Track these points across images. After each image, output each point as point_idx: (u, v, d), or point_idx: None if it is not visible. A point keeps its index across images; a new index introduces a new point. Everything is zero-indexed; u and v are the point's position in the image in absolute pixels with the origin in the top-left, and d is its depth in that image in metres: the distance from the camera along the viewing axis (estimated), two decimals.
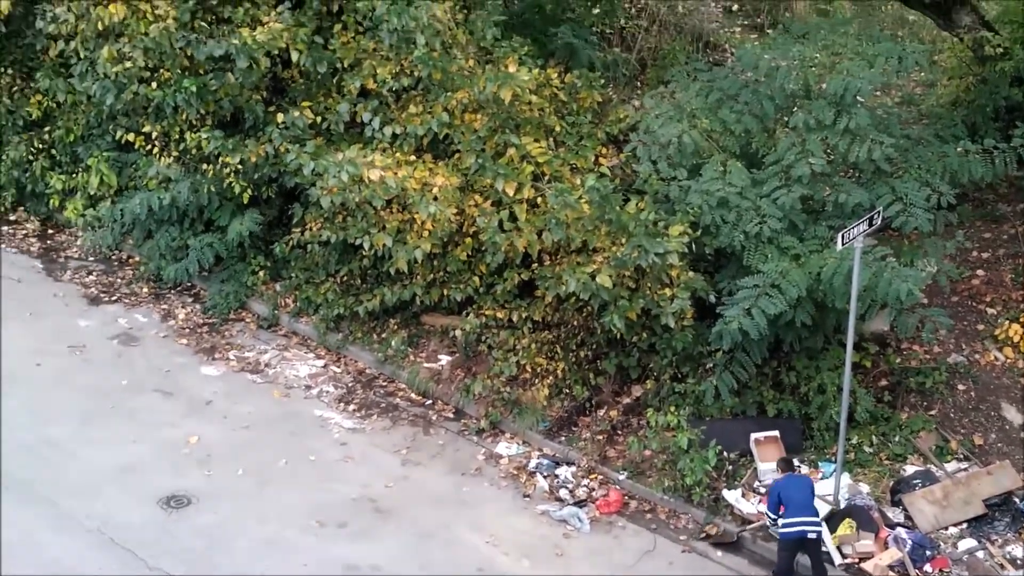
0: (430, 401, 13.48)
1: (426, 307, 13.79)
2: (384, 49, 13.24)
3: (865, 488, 11.66)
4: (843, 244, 10.83)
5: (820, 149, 11.55)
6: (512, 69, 12.65)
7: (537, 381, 12.91)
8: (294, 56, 13.51)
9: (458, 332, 13.36)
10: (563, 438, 12.68)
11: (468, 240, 12.99)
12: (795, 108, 12.22)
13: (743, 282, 11.19)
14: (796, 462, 11.52)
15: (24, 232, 16.44)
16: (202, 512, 11.44)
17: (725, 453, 11.94)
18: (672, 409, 12.15)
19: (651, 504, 11.99)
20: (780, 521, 10.51)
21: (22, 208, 16.71)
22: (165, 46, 13.56)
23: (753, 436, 12.01)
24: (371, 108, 13.34)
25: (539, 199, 12.47)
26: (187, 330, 14.53)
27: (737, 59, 13.67)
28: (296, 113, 13.58)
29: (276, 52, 13.50)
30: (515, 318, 13.09)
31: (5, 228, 16.47)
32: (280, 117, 13.62)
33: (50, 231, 16.54)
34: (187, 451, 12.39)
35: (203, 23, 13.79)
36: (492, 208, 12.62)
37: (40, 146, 16.05)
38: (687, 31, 18.16)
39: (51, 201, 15.98)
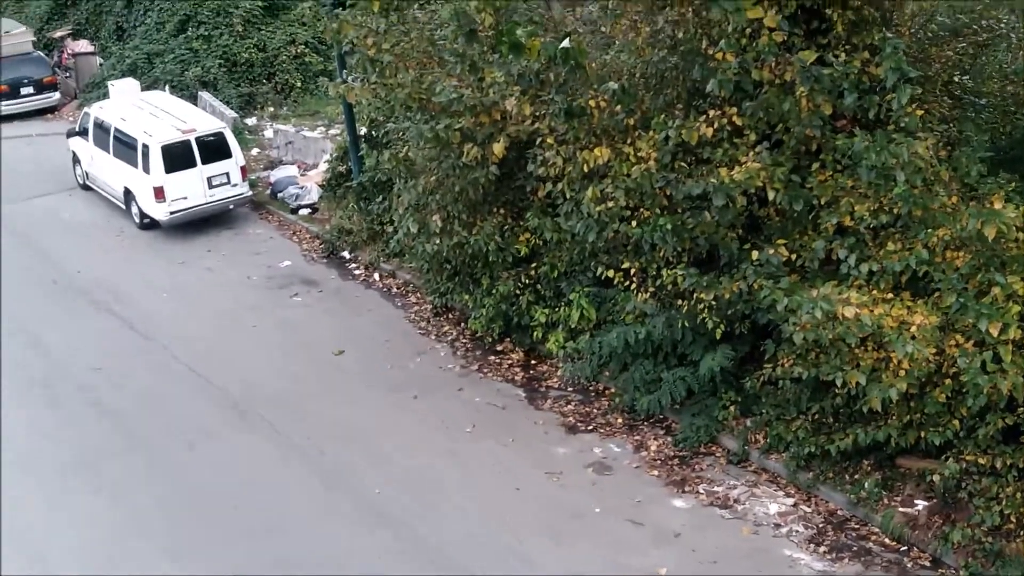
0: (905, 547, 14.78)
1: (901, 449, 15.17)
2: (862, 186, 15.07)
3: None
4: None
5: None
6: (998, 206, 13.99)
7: (1023, 532, 13.89)
8: (770, 194, 15.65)
9: (936, 477, 14.60)
10: None
11: (947, 381, 14.26)
12: None
13: None
14: None
15: (509, 362, 19.90)
16: None
17: None
18: None
19: None
20: None
21: (508, 339, 20.20)
22: (646, 186, 16.41)
23: None
24: (847, 245, 15.07)
25: None
26: (658, 462, 17.03)
27: None
28: (771, 251, 15.68)
29: (753, 191, 15.82)
30: (999, 464, 14.10)
31: (492, 358, 20.08)
32: (755, 255, 15.77)
33: (532, 362, 19.82)
34: None
35: (683, 164, 16.52)
36: (974, 348, 13.88)
37: (527, 281, 19.45)
38: None
39: (535, 333, 19.33)
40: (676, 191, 16.27)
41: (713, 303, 16.27)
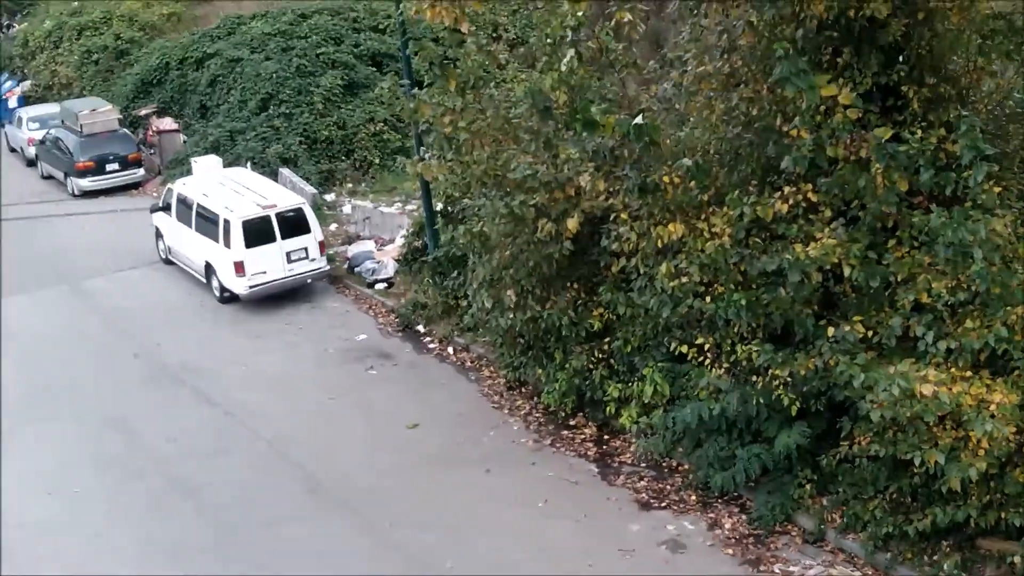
0: None
1: (981, 530, 14.93)
2: (940, 263, 15.02)
3: None
4: None
5: None
6: None
7: None
8: (846, 271, 15.64)
9: (1017, 559, 14.36)
10: None
11: None
12: None
13: None
14: None
15: (582, 437, 19.94)
16: None
17: None
18: None
19: None
20: None
21: (581, 414, 20.28)
22: (720, 262, 16.54)
23: None
24: (925, 322, 15.01)
25: None
26: (733, 540, 16.89)
27: None
28: (847, 327, 15.64)
29: (828, 267, 15.82)
30: None
31: (565, 432, 20.13)
32: (831, 331, 15.74)
33: (606, 436, 19.83)
34: None
35: (757, 240, 16.66)
36: None
37: (600, 356, 19.52)
38: None
39: (608, 408, 19.34)
40: (751, 267, 16.39)
41: (788, 379, 16.28)
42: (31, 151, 38.38)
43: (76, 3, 47.09)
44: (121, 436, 21.07)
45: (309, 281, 27.06)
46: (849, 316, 16.03)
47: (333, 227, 30.31)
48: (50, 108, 39.76)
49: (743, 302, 16.24)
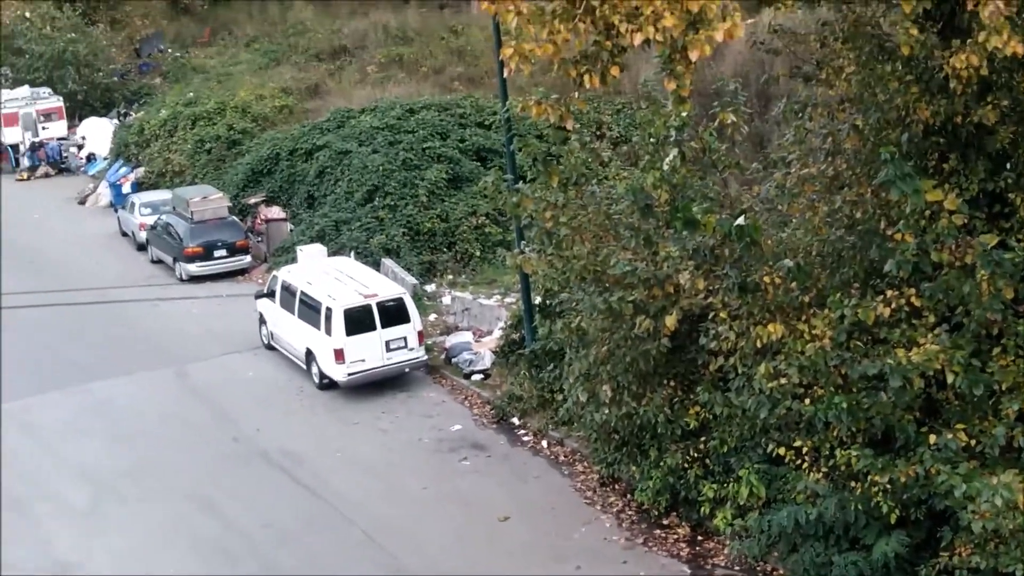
0: None
1: None
2: None
3: None
4: None
5: None
6: None
7: None
8: (949, 377, 15.47)
9: None
10: None
11: None
12: None
13: None
14: None
15: (675, 537, 19.83)
16: None
17: None
18: None
19: None
20: None
21: (675, 513, 20.17)
22: (820, 364, 16.47)
23: None
24: None
25: None
26: None
27: None
28: (949, 435, 15.46)
29: (931, 373, 15.74)
30: None
31: (658, 531, 20.03)
32: (932, 438, 15.58)
33: (699, 537, 19.70)
34: None
35: (858, 343, 16.59)
36: None
37: (695, 455, 19.46)
38: None
39: (702, 508, 19.24)
40: (851, 370, 16.28)
41: (888, 486, 16.03)
42: (142, 235, 39.58)
43: (192, 94, 48.91)
44: (216, 519, 21.48)
45: (407, 370, 27.42)
46: (952, 424, 15.86)
47: (432, 317, 30.76)
48: (162, 194, 40.99)
49: (843, 406, 16.10)
